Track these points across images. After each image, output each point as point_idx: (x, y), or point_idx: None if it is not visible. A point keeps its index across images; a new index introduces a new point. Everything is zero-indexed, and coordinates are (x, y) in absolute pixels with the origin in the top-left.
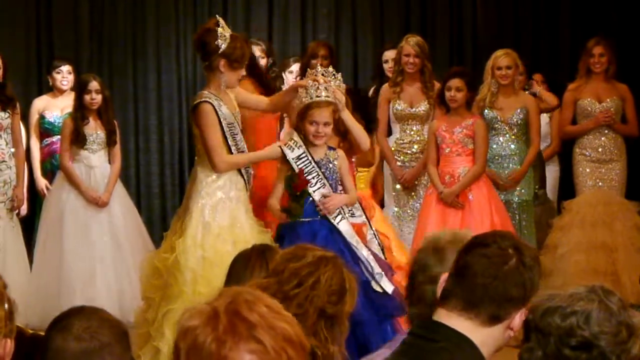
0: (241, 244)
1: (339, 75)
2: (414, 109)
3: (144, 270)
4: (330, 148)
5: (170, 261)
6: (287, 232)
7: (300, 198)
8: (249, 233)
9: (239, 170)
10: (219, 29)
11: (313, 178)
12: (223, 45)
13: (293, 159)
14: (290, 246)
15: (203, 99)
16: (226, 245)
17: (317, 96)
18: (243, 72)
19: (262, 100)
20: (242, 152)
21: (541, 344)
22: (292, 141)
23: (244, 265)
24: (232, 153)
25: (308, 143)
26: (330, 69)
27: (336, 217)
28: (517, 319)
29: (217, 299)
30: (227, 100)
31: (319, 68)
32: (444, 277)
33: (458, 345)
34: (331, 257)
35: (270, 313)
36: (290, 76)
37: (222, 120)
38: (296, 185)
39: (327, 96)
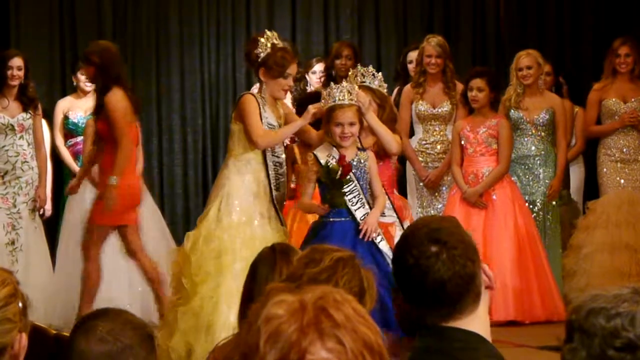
0: (249, 244)
1: (379, 75)
2: (436, 110)
3: (172, 264)
4: (360, 149)
5: (183, 252)
6: (319, 231)
7: (342, 185)
8: (262, 234)
9: (268, 177)
10: (262, 40)
11: (354, 197)
12: (262, 54)
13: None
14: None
15: (247, 93)
16: (232, 241)
17: (340, 99)
18: (288, 82)
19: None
20: (278, 156)
21: (585, 344)
22: (332, 157)
23: (270, 268)
24: (265, 155)
25: (337, 145)
26: (371, 68)
27: (377, 236)
28: (485, 277)
29: (306, 293)
30: (273, 108)
31: (359, 67)
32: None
33: (469, 343)
34: (348, 257)
35: (356, 317)
36: (314, 77)
37: (263, 118)
38: (343, 172)
39: (351, 99)
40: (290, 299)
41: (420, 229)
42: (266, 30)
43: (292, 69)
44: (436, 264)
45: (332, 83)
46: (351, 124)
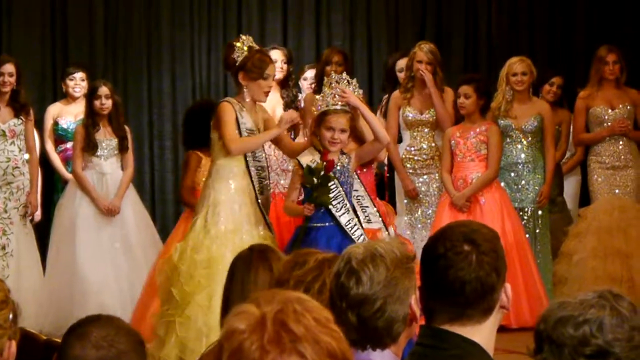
0: (237, 252)
1: (354, 81)
2: (423, 116)
3: (158, 274)
4: (341, 153)
5: (172, 263)
6: (303, 237)
7: (327, 181)
8: (249, 242)
9: (252, 183)
10: (238, 44)
11: (339, 203)
12: (240, 58)
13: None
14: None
15: (224, 100)
16: (221, 250)
17: (334, 104)
18: (268, 84)
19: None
20: (259, 161)
21: (555, 354)
22: (314, 162)
23: (246, 267)
24: (247, 161)
25: (323, 148)
26: (344, 75)
27: (340, 209)
28: (504, 296)
29: (267, 304)
30: (252, 113)
31: (333, 75)
32: (414, 298)
33: (468, 352)
34: (332, 257)
35: (317, 327)
36: (305, 83)
37: (240, 124)
38: (326, 167)
39: (344, 105)
40: (251, 311)
41: (460, 227)
42: (241, 35)
43: (271, 70)
44: (463, 262)
45: (325, 89)
46: (342, 131)
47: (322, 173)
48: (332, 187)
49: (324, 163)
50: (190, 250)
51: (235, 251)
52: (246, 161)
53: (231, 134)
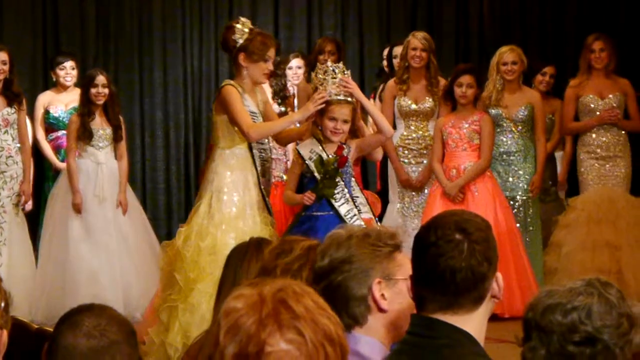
0: (241, 237)
1: (349, 72)
2: (418, 106)
3: (161, 259)
4: (342, 143)
5: (175, 248)
6: (303, 224)
7: (336, 175)
8: (252, 227)
9: (254, 165)
10: (238, 26)
11: (338, 194)
12: (240, 40)
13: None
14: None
15: (226, 83)
16: (226, 236)
17: (336, 94)
18: (269, 66)
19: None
20: (262, 143)
21: (544, 342)
22: (314, 152)
23: (240, 258)
24: (250, 143)
25: (324, 138)
26: (341, 65)
27: (339, 199)
28: (495, 286)
29: (265, 286)
30: (252, 94)
31: (329, 63)
32: (406, 284)
33: (458, 341)
34: (318, 244)
35: (316, 308)
36: (290, 72)
37: (244, 106)
38: (339, 163)
39: (346, 96)
40: (249, 293)
41: (452, 216)
42: (240, 17)
43: (272, 53)
44: (454, 250)
45: (328, 78)
46: (345, 121)
47: (332, 167)
48: (338, 182)
49: (337, 157)
50: (194, 236)
51: (239, 237)
52: (249, 145)
53: (247, 119)
